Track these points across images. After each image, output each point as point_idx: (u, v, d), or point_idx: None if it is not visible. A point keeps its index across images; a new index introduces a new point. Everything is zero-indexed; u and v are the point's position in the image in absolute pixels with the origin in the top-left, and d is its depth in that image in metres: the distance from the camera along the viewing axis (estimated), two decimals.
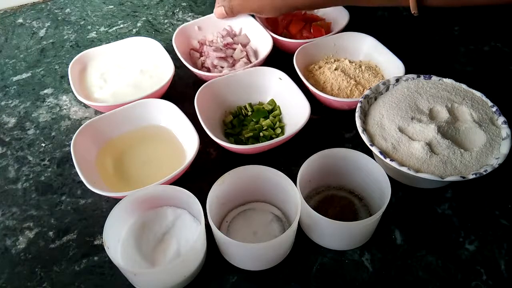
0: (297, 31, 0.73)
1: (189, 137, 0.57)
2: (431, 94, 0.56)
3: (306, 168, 0.49)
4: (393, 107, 0.55)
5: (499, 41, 0.75)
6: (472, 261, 0.49)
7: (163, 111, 0.60)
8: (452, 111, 0.54)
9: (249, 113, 0.64)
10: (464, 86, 0.57)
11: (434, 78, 0.59)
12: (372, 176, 0.50)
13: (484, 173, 0.48)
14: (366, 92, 0.58)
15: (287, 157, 0.59)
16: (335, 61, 0.68)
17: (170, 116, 0.60)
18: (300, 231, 0.51)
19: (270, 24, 0.74)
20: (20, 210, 0.55)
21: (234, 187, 0.50)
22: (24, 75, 0.74)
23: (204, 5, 0.87)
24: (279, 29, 0.74)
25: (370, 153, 0.52)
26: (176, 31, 0.71)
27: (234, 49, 0.71)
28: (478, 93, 0.56)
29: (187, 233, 0.49)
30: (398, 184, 0.55)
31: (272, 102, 0.64)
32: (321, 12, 0.77)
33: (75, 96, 0.64)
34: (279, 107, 0.64)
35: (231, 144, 0.57)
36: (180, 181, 0.54)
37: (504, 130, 0.52)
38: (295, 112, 0.59)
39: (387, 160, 0.50)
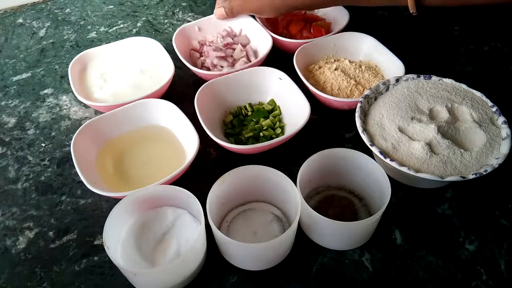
0: (297, 31, 0.73)
1: (189, 137, 0.57)
2: (431, 94, 0.56)
3: (306, 168, 0.49)
4: (393, 107, 0.55)
5: (499, 41, 0.75)
6: (472, 261, 0.49)
7: (163, 111, 0.60)
8: (452, 111, 0.54)
9: (249, 113, 0.64)
10: (464, 86, 0.57)
11: (434, 78, 0.59)
12: (372, 176, 0.50)
13: (484, 173, 0.48)
14: (366, 92, 0.58)
15: (287, 157, 0.59)
16: (335, 61, 0.68)
17: (170, 116, 0.60)
18: (300, 231, 0.51)
19: (270, 24, 0.74)
20: (20, 210, 0.55)
21: (234, 187, 0.50)
22: (24, 75, 0.74)
23: (204, 5, 0.87)
24: (279, 29, 0.74)
25: (370, 153, 0.52)
26: (176, 31, 0.71)
27: (234, 49, 0.71)
28: (478, 93, 0.56)
29: (187, 233, 0.49)
30: (398, 184, 0.55)
31: (272, 102, 0.64)
32: (321, 12, 0.77)
33: (75, 96, 0.64)
34: (279, 107, 0.64)
35: (231, 144, 0.57)
36: (180, 181, 0.54)
37: (504, 130, 0.52)
38: (295, 112, 0.59)
39: (387, 160, 0.50)
